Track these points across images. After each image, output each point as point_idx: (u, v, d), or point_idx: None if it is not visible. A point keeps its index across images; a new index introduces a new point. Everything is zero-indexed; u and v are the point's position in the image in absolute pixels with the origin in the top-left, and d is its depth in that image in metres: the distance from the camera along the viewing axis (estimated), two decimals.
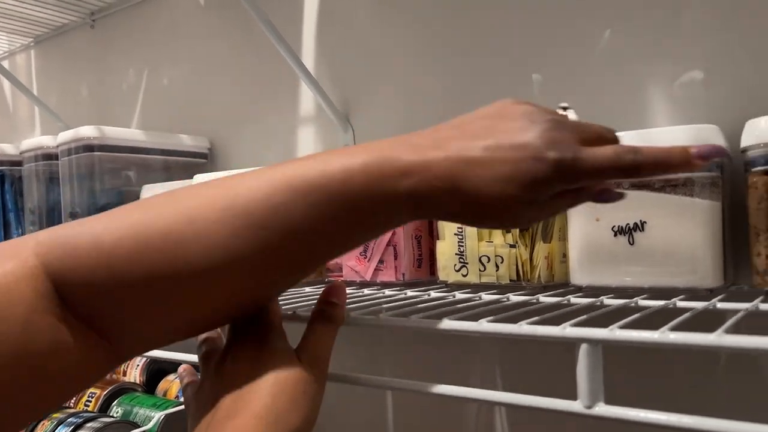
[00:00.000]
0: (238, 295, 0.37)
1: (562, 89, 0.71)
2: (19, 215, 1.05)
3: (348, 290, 0.68)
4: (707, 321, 0.40)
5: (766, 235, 0.49)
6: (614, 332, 0.37)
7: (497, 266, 0.62)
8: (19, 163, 1.04)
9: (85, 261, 0.34)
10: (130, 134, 0.97)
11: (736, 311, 0.44)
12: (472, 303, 0.55)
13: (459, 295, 0.61)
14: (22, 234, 1.05)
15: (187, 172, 1.02)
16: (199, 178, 0.79)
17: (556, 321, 0.40)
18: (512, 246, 0.62)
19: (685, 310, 0.45)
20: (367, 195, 0.36)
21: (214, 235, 0.34)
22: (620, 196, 0.39)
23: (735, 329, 0.41)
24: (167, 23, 1.12)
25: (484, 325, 0.41)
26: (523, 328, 0.40)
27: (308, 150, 0.93)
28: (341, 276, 0.73)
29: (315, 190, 0.35)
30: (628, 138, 0.54)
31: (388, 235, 0.69)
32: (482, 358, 0.78)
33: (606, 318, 0.41)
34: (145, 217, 0.35)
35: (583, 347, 0.37)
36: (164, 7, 1.12)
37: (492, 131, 0.36)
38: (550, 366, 0.70)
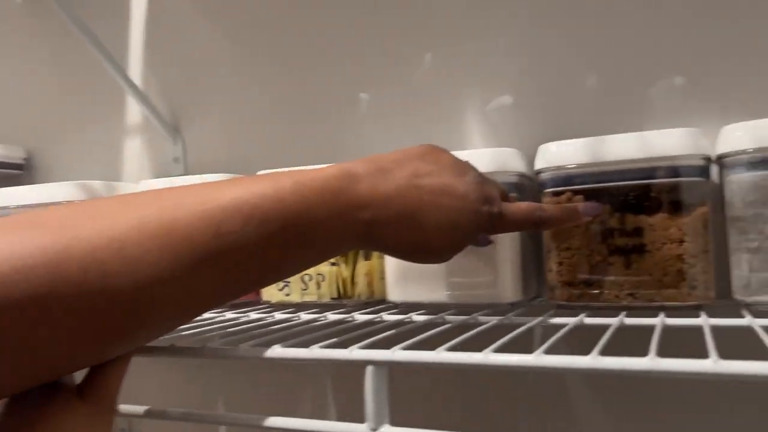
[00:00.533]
0: (177, 318, 0.35)
1: (388, 109, 0.73)
2: None
3: None
4: (510, 334, 0.42)
5: (556, 252, 0.53)
6: (396, 353, 0.37)
7: (319, 285, 0.62)
8: None
9: None
10: None
11: (522, 324, 0.47)
12: (289, 324, 0.54)
13: (278, 315, 0.60)
14: None
15: (1, 184, 0.92)
16: (6, 192, 0.72)
17: (351, 342, 0.40)
18: (334, 264, 0.62)
19: (483, 323, 0.47)
20: (323, 227, 0.36)
21: (147, 265, 0.30)
22: (491, 242, 0.49)
23: (537, 343, 0.44)
24: None
25: (276, 351, 0.40)
26: (314, 351, 0.40)
27: (135, 162, 0.88)
28: None
29: (272, 218, 0.34)
30: None
31: None
32: (312, 385, 0.77)
33: (410, 335, 0.42)
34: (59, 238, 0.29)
35: (369, 369, 0.37)
36: None
37: (437, 177, 0.41)
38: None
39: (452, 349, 0.37)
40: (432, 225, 0.40)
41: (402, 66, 0.72)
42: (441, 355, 0.36)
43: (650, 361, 0.31)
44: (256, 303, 0.67)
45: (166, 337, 0.47)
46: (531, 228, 0.46)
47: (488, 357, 0.35)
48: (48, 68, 0.95)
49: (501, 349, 0.36)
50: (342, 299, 0.62)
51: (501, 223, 0.43)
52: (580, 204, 0.46)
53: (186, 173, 0.83)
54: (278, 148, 0.79)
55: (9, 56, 0.98)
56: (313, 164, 0.63)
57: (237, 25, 0.81)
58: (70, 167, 0.93)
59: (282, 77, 0.79)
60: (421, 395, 0.70)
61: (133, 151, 0.88)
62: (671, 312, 0.48)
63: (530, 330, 0.48)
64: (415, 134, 0.72)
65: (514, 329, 0.44)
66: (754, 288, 0.47)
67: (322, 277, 0.62)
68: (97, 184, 0.69)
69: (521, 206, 0.44)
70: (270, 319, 0.58)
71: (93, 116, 0.91)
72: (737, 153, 0.48)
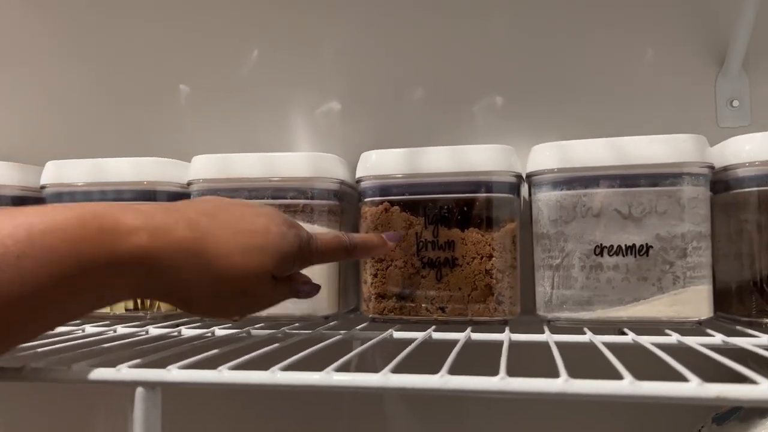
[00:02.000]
0: None
1: (211, 101, 0.68)
2: None
3: None
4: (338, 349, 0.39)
5: (372, 263, 0.51)
6: (172, 373, 0.32)
7: None
8: None
9: None
10: None
11: (330, 337, 0.44)
12: (69, 336, 0.47)
13: (60, 328, 0.51)
14: None
15: None
16: None
17: (125, 358, 0.35)
18: None
19: (291, 336, 0.44)
20: (77, 252, 0.29)
21: None
22: (317, 290, 0.42)
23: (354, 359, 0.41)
24: None
25: (30, 369, 0.34)
26: (74, 371, 0.33)
27: None
28: None
29: (19, 247, 0.28)
30: (253, 161, 0.53)
31: None
32: (103, 407, 0.68)
33: (205, 350, 0.37)
34: None
35: (138, 391, 0.32)
36: None
37: (227, 210, 0.36)
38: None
39: (239, 367, 0.33)
40: (234, 252, 0.34)
41: (228, 60, 0.67)
42: (223, 374, 0.32)
43: (441, 379, 0.29)
44: None
45: None
46: (343, 256, 0.42)
47: (275, 376, 0.31)
48: None
49: (294, 366, 0.33)
50: (139, 311, 0.55)
51: (313, 248, 0.39)
52: (383, 234, 0.44)
53: None
54: (81, 138, 0.70)
55: None
56: (122, 155, 0.56)
57: (49, 6, 0.71)
58: None
59: (92, 62, 0.70)
60: (208, 418, 0.65)
61: None
62: (480, 326, 0.48)
63: (347, 344, 0.45)
64: (238, 130, 0.67)
65: (321, 342, 0.41)
66: (554, 304, 0.48)
67: None
68: None
69: (328, 234, 0.42)
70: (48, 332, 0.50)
71: None
72: (544, 172, 0.49)
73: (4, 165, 0.58)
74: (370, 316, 0.52)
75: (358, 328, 0.48)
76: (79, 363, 0.34)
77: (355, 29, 0.65)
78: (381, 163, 0.52)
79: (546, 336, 0.43)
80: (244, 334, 0.47)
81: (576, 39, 0.61)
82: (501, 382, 0.29)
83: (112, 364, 0.33)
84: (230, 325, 0.51)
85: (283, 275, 0.38)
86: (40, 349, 0.41)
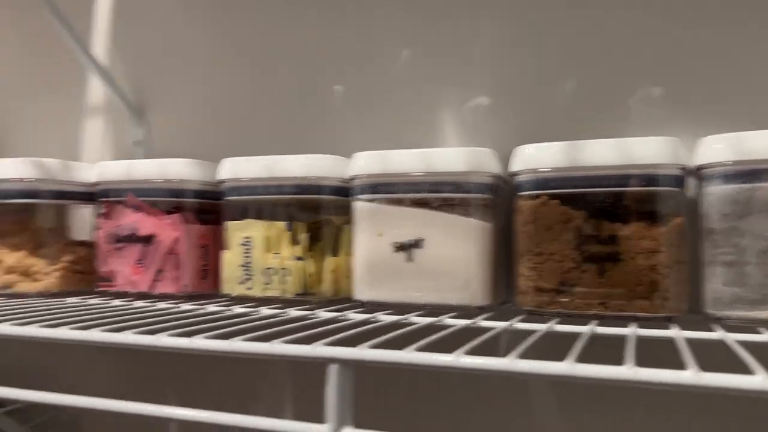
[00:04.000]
0: None
1: (362, 102, 0.71)
2: None
3: (118, 302, 0.61)
4: (476, 338, 0.40)
5: (528, 257, 0.52)
6: (365, 352, 0.35)
7: (283, 280, 0.60)
8: None
9: None
10: None
11: (492, 329, 0.45)
12: (248, 318, 0.52)
13: (237, 309, 0.57)
14: None
15: None
16: None
17: (315, 339, 0.38)
18: (300, 259, 0.60)
19: (450, 326, 0.46)
20: None
21: None
22: None
23: (508, 349, 0.42)
24: None
25: (236, 344, 0.38)
26: (275, 347, 0.37)
27: (95, 143, 0.84)
28: (114, 285, 0.65)
29: None
30: (412, 157, 0.55)
31: (168, 243, 0.63)
32: (271, 380, 0.74)
33: (374, 335, 0.40)
34: None
35: (333, 368, 0.35)
36: None
37: None
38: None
39: (420, 350, 0.35)
40: None
41: (379, 60, 0.70)
42: (411, 355, 0.34)
43: (629, 371, 0.30)
44: (214, 295, 0.64)
45: (116, 326, 0.44)
46: None
47: (459, 359, 0.33)
48: (7, 40, 0.90)
49: (470, 353, 0.35)
50: (306, 296, 0.59)
51: None
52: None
53: (148, 157, 0.80)
54: (245, 137, 0.76)
55: None
56: (283, 153, 0.61)
57: (211, 11, 0.78)
58: (25, 145, 0.89)
59: (254, 66, 0.76)
60: (379, 397, 0.68)
61: (94, 131, 0.84)
62: (643, 323, 0.47)
63: (495, 335, 0.47)
64: (389, 129, 0.70)
65: (482, 333, 0.42)
66: (725, 302, 0.47)
67: (287, 271, 0.60)
68: (51, 162, 0.65)
69: None
70: (228, 312, 0.56)
71: (52, 94, 0.87)
72: (715, 165, 0.47)
73: (187, 162, 0.65)
74: (527, 308, 0.53)
75: (516, 319, 0.49)
76: (276, 340, 0.38)
77: (503, 23, 0.66)
78: (538, 157, 0.52)
79: (720, 334, 0.42)
80: (405, 321, 0.50)
81: (737, 28, 0.58)
82: (695, 376, 0.29)
83: (307, 341, 0.37)
84: (391, 311, 0.54)
85: None
86: (223, 330, 0.46)
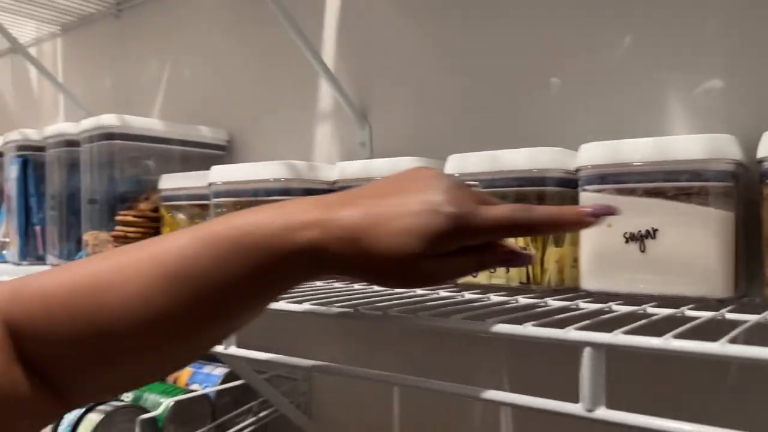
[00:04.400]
0: (169, 348, 0.37)
1: (580, 94, 0.71)
2: (41, 200, 1.07)
3: (342, 285, 0.69)
4: (716, 331, 0.39)
5: None
6: (618, 337, 0.37)
7: (507, 269, 0.63)
8: (41, 149, 1.06)
9: (28, 307, 0.35)
10: (150, 124, 0.98)
11: (743, 322, 0.44)
12: (480, 303, 0.55)
13: (467, 295, 0.61)
14: (43, 219, 1.07)
15: (206, 163, 1.02)
16: (217, 169, 0.80)
17: (562, 325, 0.40)
18: (524, 248, 0.62)
19: (692, 318, 0.45)
20: (267, 245, 0.36)
21: (134, 286, 0.35)
22: (530, 260, 0.42)
23: (746, 341, 0.41)
24: (190, 14, 1.13)
25: (492, 326, 0.42)
26: (529, 329, 0.40)
27: (325, 145, 0.94)
28: None
29: (221, 240, 0.36)
30: (645, 145, 0.55)
31: None
32: (487, 359, 0.78)
33: (613, 324, 0.41)
34: (84, 268, 0.36)
35: (587, 351, 0.37)
36: None
37: (399, 190, 0.39)
38: (554, 369, 0.70)
39: (680, 337, 0.36)
40: (384, 236, 0.36)
41: (598, 49, 0.70)
42: (670, 342, 0.35)
43: None
44: None
45: (381, 305, 0.50)
46: (516, 233, 0.40)
47: (725, 348, 0.33)
48: (247, 58, 1.04)
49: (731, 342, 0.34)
50: (530, 284, 0.62)
51: (473, 225, 0.37)
52: (588, 206, 0.39)
53: (372, 157, 0.88)
54: (465, 134, 0.80)
55: (214, 46, 1.09)
56: (500, 148, 0.63)
57: (424, 14, 0.84)
58: (265, 148, 1.02)
59: (469, 64, 0.80)
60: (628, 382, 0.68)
61: (323, 134, 0.94)
62: None
63: (749, 328, 0.45)
64: (610, 120, 0.69)
65: (728, 326, 0.41)
66: None
67: None
68: (300, 164, 0.75)
69: (502, 207, 0.39)
70: (459, 298, 0.60)
71: (287, 102, 0.98)
72: None
73: (415, 160, 0.70)
74: None
75: (767, 312, 0.47)
76: (528, 323, 0.41)
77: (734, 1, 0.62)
78: None
79: None
80: (641, 311, 0.50)
81: None
82: None
83: (560, 325, 0.39)
84: (623, 302, 0.54)
85: (441, 252, 0.38)
86: (469, 313, 0.49)
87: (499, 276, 0.63)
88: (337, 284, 0.71)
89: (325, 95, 0.94)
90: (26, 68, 1.48)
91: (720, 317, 0.47)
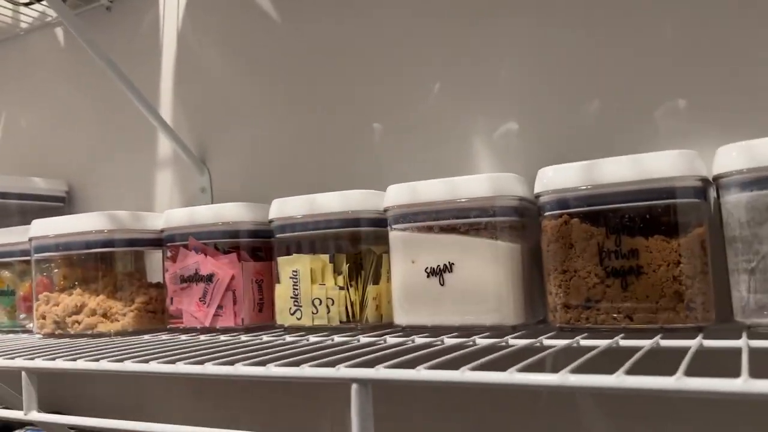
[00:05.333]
0: None
1: (402, 137, 0.75)
2: None
3: (185, 337, 0.68)
4: (514, 357, 0.42)
5: (555, 274, 0.54)
6: (379, 371, 0.39)
7: (328, 308, 0.64)
8: None
9: None
10: None
11: (515, 345, 0.47)
12: (285, 347, 0.56)
13: (288, 338, 0.62)
14: None
15: (45, 216, 0.98)
16: (38, 223, 0.77)
17: (336, 363, 0.42)
18: (342, 288, 0.64)
19: (480, 346, 0.48)
20: None
21: None
22: None
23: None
24: (27, 63, 1.09)
25: (272, 370, 0.42)
26: (305, 370, 0.41)
27: (166, 192, 0.93)
28: (182, 322, 0.72)
29: None
30: (438, 186, 0.58)
31: (226, 280, 0.69)
32: (328, 405, 0.78)
33: (391, 357, 0.43)
34: None
35: (354, 387, 0.39)
36: (25, 46, 1.09)
37: None
38: None
39: (434, 368, 0.38)
40: None
41: (412, 96, 0.75)
42: (420, 373, 0.37)
43: (676, 381, 0.31)
44: (270, 327, 0.69)
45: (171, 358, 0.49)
46: None
47: (464, 375, 0.36)
48: (86, 108, 1.01)
49: (484, 368, 0.37)
50: (351, 323, 0.63)
51: None
52: None
53: (212, 202, 0.87)
54: (297, 177, 0.82)
55: (51, 97, 1.06)
56: (329, 190, 0.65)
57: (257, 66, 0.86)
58: (106, 198, 0.99)
59: (299, 112, 0.82)
60: (415, 416, 0.70)
61: (164, 182, 0.93)
62: (671, 334, 0.48)
63: (516, 351, 0.48)
64: (425, 161, 0.73)
65: (506, 349, 0.44)
66: (751, 309, 0.46)
67: (332, 300, 0.64)
68: (123, 214, 0.73)
69: None
70: (278, 342, 0.60)
71: (128, 151, 0.96)
72: (731, 173, 0.48)
73: (241, 205, 0.71)
74: (557, 325, 0.54)
75: (544, 336, 0.51)
76: (306, 364, 0.42)
77: (525, 49, 0.68)
78: (558, 178, 0.54)
79: (742, 341, 0.42)
80: (439, 342, 0.53)
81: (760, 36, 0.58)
82: (676, 382, 0.30)
83: (332, 364, 0.41)
84: (427, 334, 0.57)
85: None
86: (261, 357, 0.50)
87: (321, 317, 0.64)
88: (146, 337, 0.69)
89: (164, 144, 0.93)
90: None
91: (500, 343, 0.50)
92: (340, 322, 0.64)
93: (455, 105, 0.72)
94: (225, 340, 0.63)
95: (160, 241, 0.75)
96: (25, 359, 0.56)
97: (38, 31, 1.08)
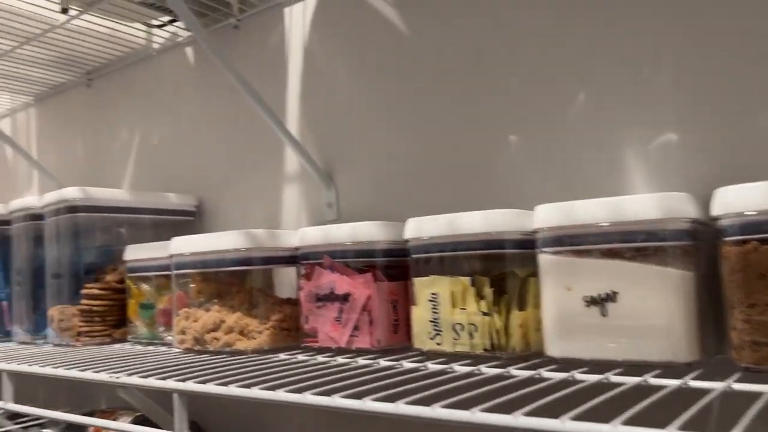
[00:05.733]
0: None
1: (540, 152, 0.71)
2: (7, 275, 1.05)
3: (321, 358, 0.67)
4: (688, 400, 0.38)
5: (741, 308, 0.47)
6: (566, 424, 0.35)
7: (471, 335, 0.60)
8: (8, 223, 1.05)
9: None
10: (114, 194, 0.97)
11: (708, 391, 0.42)
12: (435, 379, 0.53)
13: (431, 366, 0.59)
14: (10, 294, 1.04)
15: (176, 229, 1.01)
16: (177, 241, 0.79)
17: (526, 400, 0.38)
18: (486, 314, 0.60)
19: (658, 387, 0.43)
20: None
21: None
22: None
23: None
24: (159, 82, 1.14)
25: (437, 411, 0.40)
26: (476, 415, 0.38)
27: (293, 207, 0.93)
28: (317, 341, 0.71)
29: None
30: (599, 206, 0.53)
31: (362, 300, 0.68)
32: None
33: (580, 396, 0.39)
34: None
35: None
36: (157, 66, 1.14)
37: None
38: None
39: (632, 423, 0.34)
40: None
41: (553, 106, 0.70)
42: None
43: None
44: (407, 349, 0.67)
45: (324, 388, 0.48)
46: None
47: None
48: (215, 124, 1.04)
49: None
50: (495, 351, 0.60)
51: None
52: None
53: (338, 218, 0.86)
54: (427, 192, 0.79)
55: (182, 113, 1.09)
56: (462, 210, 0.62)
57: (384, 79, 0.84)
58: (235, 213, 1.01)
59: (430, 126, 0.79)
60: None
61: (291, 196, 0.93)
62: None
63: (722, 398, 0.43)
64: (569, 178, 0.68)
65: (693, 395, 0.39)
66: None
67: (474, 327, 0.60)
68: (260, 233, 0.73)
69: None
70: (424, 371, 0.57)
71: (255, 166, 0.98)
72: None
73: (376, 224, 0.69)
74: (743, 365, 0.48)
75: (732, 379, 0.45)
76: (476, 408, 0.39)
77: (691, 49, 0.62)
78: (743, 199, 0.48)
79: None
80: (605, 380, 0.48)
81: None
82: None
83: (504, 408, 0.37)
84: (587, 369, 0.52)
85: None
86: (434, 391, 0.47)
87: (463, 343, 0.61)
88: (281, 355, 0.69)
89: (291, 159, 0.93)
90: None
91: (684, 386, 0.45)
92: (484, 350, 0.60)
93: (603, 115, 0.67)
94: (363, 365, 0.61)
95: (294, 258, 0.75)
96: (176, 380, 0.56)
97: (169, 52, 1.12)
